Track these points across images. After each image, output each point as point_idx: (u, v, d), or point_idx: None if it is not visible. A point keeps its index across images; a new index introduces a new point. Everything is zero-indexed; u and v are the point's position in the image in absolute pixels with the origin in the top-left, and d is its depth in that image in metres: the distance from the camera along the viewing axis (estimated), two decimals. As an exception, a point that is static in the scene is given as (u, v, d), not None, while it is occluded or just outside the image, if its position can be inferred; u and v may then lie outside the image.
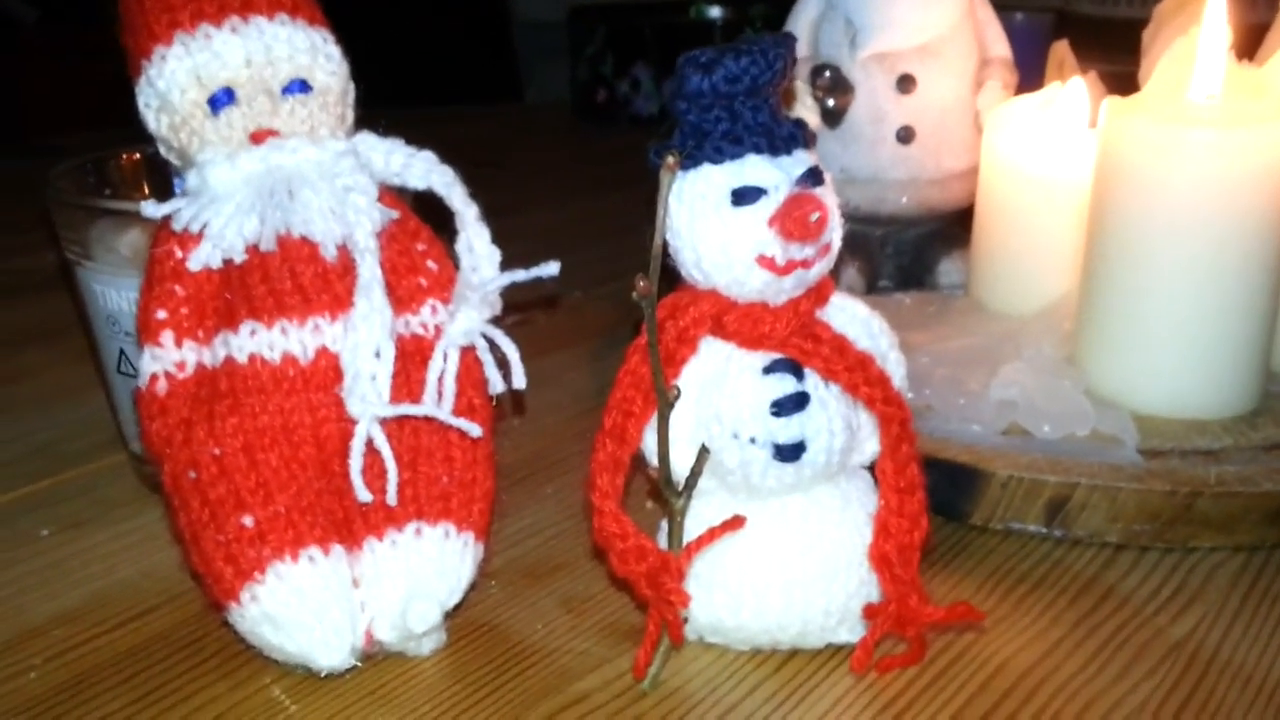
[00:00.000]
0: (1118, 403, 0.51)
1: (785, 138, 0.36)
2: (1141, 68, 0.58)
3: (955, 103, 0.61)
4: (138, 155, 0.50)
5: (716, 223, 0.35)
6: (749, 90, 0.35)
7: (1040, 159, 0.56)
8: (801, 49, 0.62)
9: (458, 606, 0.40)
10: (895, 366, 0.39)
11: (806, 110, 0.61)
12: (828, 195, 0.36)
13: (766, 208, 0.35)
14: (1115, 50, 0.63)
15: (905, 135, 0.60)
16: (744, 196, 0.35)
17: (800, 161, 0.36)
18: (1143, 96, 0.51)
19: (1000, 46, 0.62)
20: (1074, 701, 0.37)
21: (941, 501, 0.48)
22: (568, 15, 1.31)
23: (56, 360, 0.63)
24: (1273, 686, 0.38)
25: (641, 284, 0.35)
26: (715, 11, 1.20)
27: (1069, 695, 0.38)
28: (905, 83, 0.60)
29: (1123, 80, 0.56)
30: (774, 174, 0.35)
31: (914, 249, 0.64)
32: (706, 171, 0.35)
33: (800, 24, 0.62)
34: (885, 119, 0.60)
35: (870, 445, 0.39)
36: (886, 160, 0.61)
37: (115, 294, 0.45)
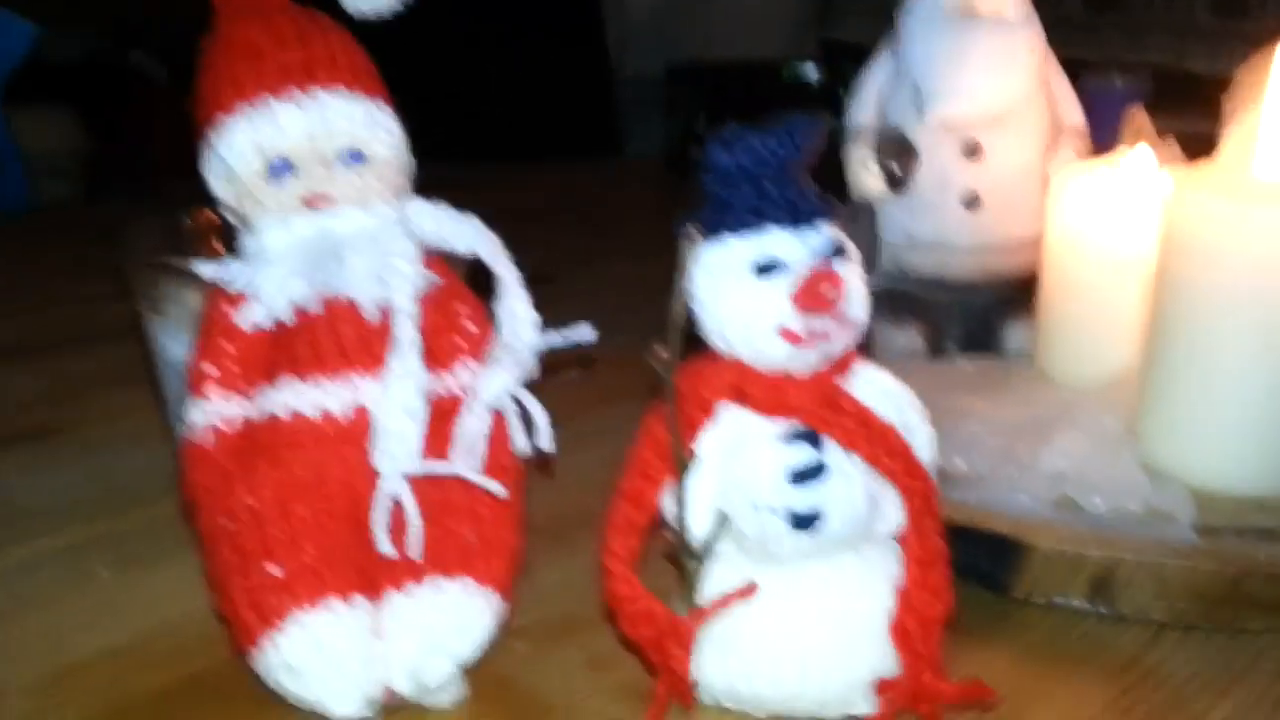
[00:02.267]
0: (1176, 477, 0.49)
1: (809, 212, 0.36)
2: (1222, 134, 0.57)
3: (1024, 170, 0.60)
4: (209, 212, 0.53)
5: (738, 294, 0.36)
6: (774, 169, 0.35)
7: (1103, 228, 0.55)
8: (869, 114, 0.63)
9: (481, 660, 0.41)
10: (923, 439, 0.39)
11: (871, 176, 0.61)
12: (849, 269, 0.36)
13: (788, 280, 0.35)
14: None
15: (971, 201, 0.60)
16: (765, 269, 0.35)
17: (823, 235, 0.36)
18: (1209, 170, 0.50)
19: (1074, 115, 0.62)
20: (1096, 788, 0.36)
21: (982, 573, 0.47)
22: (665, 73, 1.33)
23: (130, 407, 0.66)
24: (1308, 782, 0.36)
25: (662, 353, 0.35)
26: (810, 72, 1.21)
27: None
28: (972, 150, 0.59)
29: (1205, 143, 0.55)
30: (795, 247, 0.35)
31: (981, 314, 0.63)
32: (729, 243, 0.36)
33: (868, 89, 0.63)
34: (951, 185, 0.60)
35: (895, 515, 0.39)
36: (952, 226, 0.61)
37: (181, 346, 0.48)
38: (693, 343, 0.38)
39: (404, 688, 0.39)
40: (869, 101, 0.62)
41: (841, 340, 0.36)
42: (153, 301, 0.48)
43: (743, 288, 0.36)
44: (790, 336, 0.35)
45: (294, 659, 0.38)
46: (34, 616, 0.46)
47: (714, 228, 0.36)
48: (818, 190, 0.37)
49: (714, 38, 2.12)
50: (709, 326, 0.37)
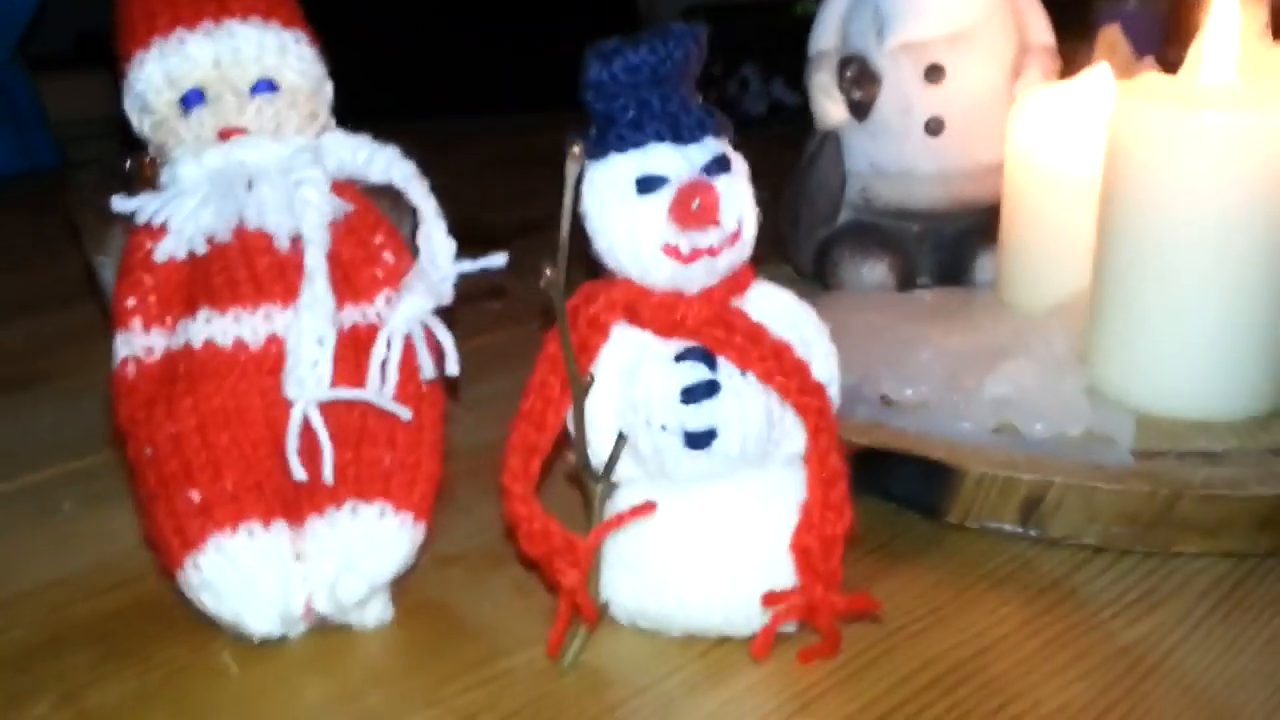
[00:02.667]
0: (1123, 402, 0.48)
1: (692, 126, 0.36)
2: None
3: (989, 92, 0.59)
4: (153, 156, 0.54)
5: (623, 212, 0.36)
6: (650, 80, 0.35)
7: (1060, 151, 0.53)
8: (830, 40, 0.62)
9: (415, 585, 0.42)
10: (821, 356, 0.39)
11: (834, 103, 0.60)
12: (731, 183, 0.36)
13: (670, 196, 0.35)
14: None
15: (934, 126, 0.59)
16: (647, 185, 0.35)
17: (707, 149, 0.36)
18: (1154, 80, 0.49)
19: (1042, 33, 0.60)
20: (992, 699, 0.36)
21: (918, 499, 0.47)
22: (679, 17, 1.32)
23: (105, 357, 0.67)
24: (1211, 695, 0.36)
25: (549, 273, 0.35)
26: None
27: (990, 692, 0.37)
28: (933, 72, 0.58)
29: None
30: (678, 162, 0.35)
31: (953, 245, 0.62)
32: (613, 160, 0.36)
33: (829, 15, 0.62)
34: (912, 110, 0.59)
35: (798, 435, 0.39)
36: (915, 153, 0.60)
37: (128, 284, 0.49)
38: (592, 265, 0.38)
39: (323, 606, 0.40)
40: (831, 27, 0.61)
41: (729, 257, 0.36)
42: (97, 243, 0.49)
43: (626, 206, 0.36)
44: (673, 252, 0.35)
45: (213, 579, 0.39)
46: (-4, 546, 0.48)
47: (599, 146, 0.36)
48: (703, 102, 0.36)
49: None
50: (600, 246, 0.37)
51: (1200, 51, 0.48)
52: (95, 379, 0.63)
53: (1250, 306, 0.47)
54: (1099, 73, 0.53)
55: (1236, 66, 0.47)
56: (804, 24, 0.84)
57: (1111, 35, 0.59)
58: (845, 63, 0.60)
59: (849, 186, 0.62)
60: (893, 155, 0.60)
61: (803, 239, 0.63)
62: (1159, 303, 0.48)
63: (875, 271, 0.61)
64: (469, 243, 0.92)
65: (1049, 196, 0.54)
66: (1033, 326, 0.53)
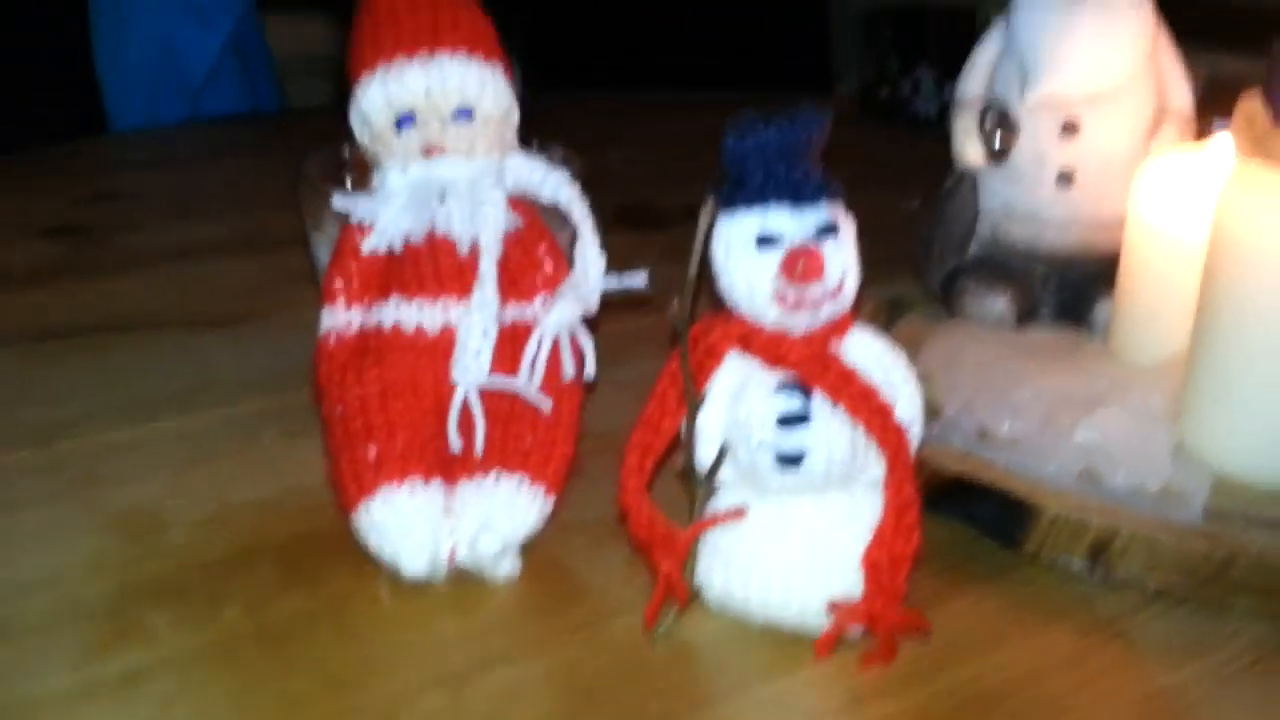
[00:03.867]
0: (1204, 462, 0.52)
1: (809, 194, 0.41)
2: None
3: (1122, 150, 0.62)
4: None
5: (743, 261, 0.42)
6: (777, 154, 0.41)
7: (1179, 214, 0.57)
8: (977, 86, 0.66)
9: (541, 546, 0.49)
10: (907, 399, 0.44)
11: (973, 146, 0.65)
12: (836, 247, 0.41)
13: (782, 254, 0.41)
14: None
15: (1066, 178, 0.63)
16: (765, 242, 0.41)
17: (820, 215, 0.41)
18: (1269, 162, 0.52)
19: (1181, 98, 0.63)
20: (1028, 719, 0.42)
21: (997, 528, 0.52)
22: (864, 15, 1.35)
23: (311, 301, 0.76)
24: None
25: (675, 305, 0.42)
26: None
27: (1027, 713, 0.42)
28: (1069, 128, 0.62)
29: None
30: (793, 225, 0.41)
31: (1075, 288, 0.65)
32: (739, 216, 0.42)
33: (979, 62, 0.66)
34: (1046, 161, 0.63)
35: (881, 466, 0.44)
36: (1045, 201, 0.63)
37: (332, 259, 0.57)
38: (715, 299, 0.44)
39: (464, 557, 0.48)
40: (979, 74, 0.65)
41: (829, 307, 0.42)
42: (315, 220, 0.58)
43: (746, 257, 0.42)
44: (781, 300, 0.41)
45: (380, 522, 0.47)
46: (206, 467, 0.57)
47: (729, 202, 0.42)
48: (823, 173, 0.42)
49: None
50: (722, 286, 0.43)
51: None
52: (300, 321, 0.73)
53: (1335, 387, 0.50)
54: (1223, 142, 0.56)
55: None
56: (983, 32, 0.87)
57: (1250, 106, 0.61)
58: (988, 110, 0.64)
59: (981, 222, 0.66)
60: (1024, 200, 0.64)
61: (935, 265, 0.68)
62: (1247, 372, 0.51)
63: (997, 305, 0.65)
64: (637, 225, 0.99)
65: (1164, 256, 0.57)
66: (1133, 379, 0.57)
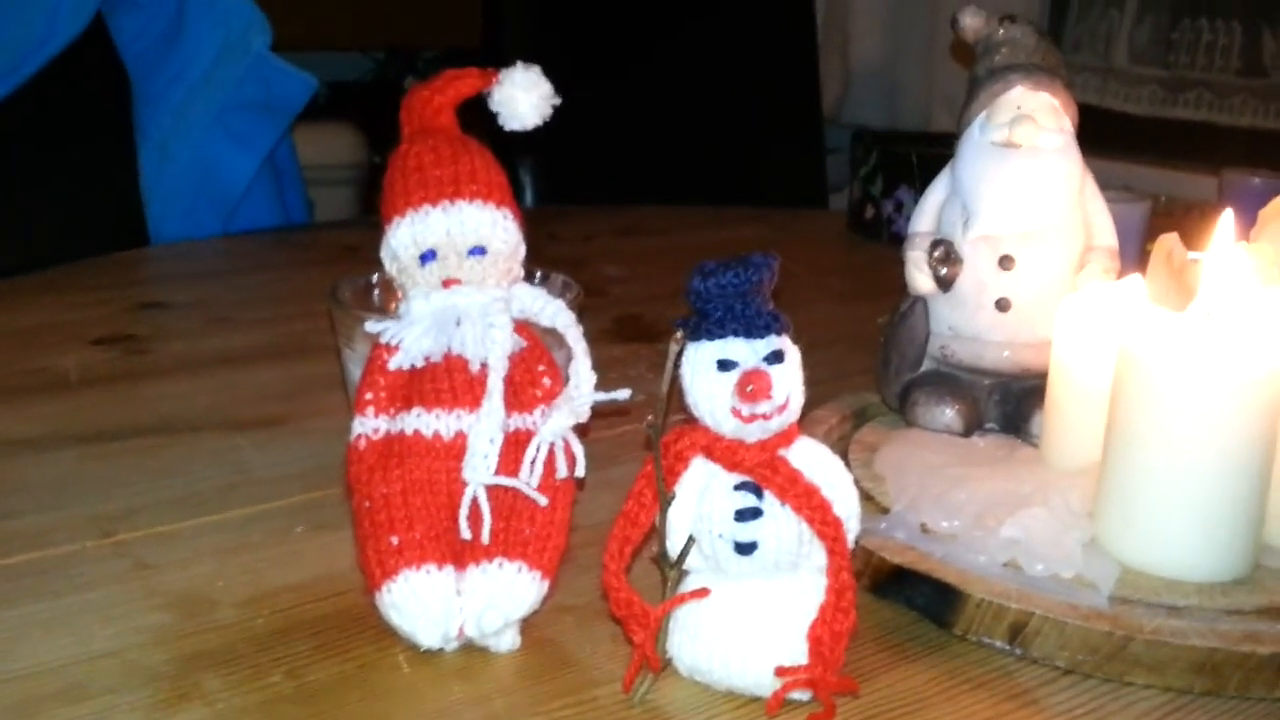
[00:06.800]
0: (1113, 555, 0.60)
1: (762, 326, 0.50)
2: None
3: (1052, 281, 0.71)
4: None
5: (706, 382, 0.51)
6: (734, 293, 0.50)
7: (1099, 338, 0.65)
8: (927, 223, 0.75)
9: (536, 624, 0.57)
10: (844, 499, 0.52)
11: (922, 276, 0.74)
12: (783, 371, 0.50)
13: (737, 376, 0.50)
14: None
15: (1003, 305, 0.72)
16: (724, 366, 0.50)
17: (770, 344, 0.50)
18: (1166, 298, 0.61)
19: (1106, 237, 0.72)
20: (938, 772, 0.49)
21: (932, 610, 0.59)
22: (850, 136, 1.46)
23: (338, 407, 0.84)
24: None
25: (650, 418, 0.51)
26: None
27: (939, 768, 0.49)
28: (1005, 261, 0.71)
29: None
30: (747, 352, 0.50)
31: (1016, 401, 0.74)
32: (703, 344, 0.51)
33: (929, 202, 0.75)
34: (986, 289, 0.72)
35: (823, 554, 0.53)
36: (986, 324, 0.72)
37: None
38: (684, 412, 0.53)
39: (471, 632, 0.56)
40: (928, 213, 0.75)
41: (779, 421, 0.51)
42: (348, 338, 0.67)
43: (709, 378, 0.50)
44: (737, 414, 0.50)
45: (400, 601, 0.55)
46: (246, 555, 0.66)
47: (695, 332, 0.51)
48: (772, 310, 0.51)
49: (934, 98, 2.21)
50: (689, 401, 0.52)
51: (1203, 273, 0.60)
52: (330, 424, 0.82)
53: (1224, 487, 0.58)
54: (1135, 279, 0.65)
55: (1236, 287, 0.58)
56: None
57: (1169, 242, 0.70)
58: (935, 244, 0.73)
59: (931, 343, 0.75)
60: (967, 324, 0.73)
61: (891, 380, 0.77)
62: (1150, 478, 0.59)
63: (946, 415, 0.74)
64: (630, 339, 1.09)
65: (1086, 374, 0.66)
66: (1056, 481, 0.65)
